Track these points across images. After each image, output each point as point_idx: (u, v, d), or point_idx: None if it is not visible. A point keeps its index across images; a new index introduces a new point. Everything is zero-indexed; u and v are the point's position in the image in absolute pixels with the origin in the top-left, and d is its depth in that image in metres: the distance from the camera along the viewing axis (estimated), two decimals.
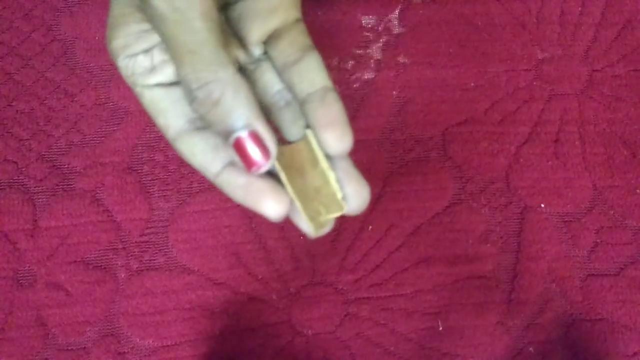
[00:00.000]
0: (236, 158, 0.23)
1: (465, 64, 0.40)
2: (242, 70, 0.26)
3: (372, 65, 0.40)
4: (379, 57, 0.41)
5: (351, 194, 0.24)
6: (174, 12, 0.21)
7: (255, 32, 0.25)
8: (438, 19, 0.41)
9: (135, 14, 0.24)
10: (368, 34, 0.41)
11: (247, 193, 0.23)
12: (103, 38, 0.40)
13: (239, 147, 0.22)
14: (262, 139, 0.22)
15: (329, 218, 0.24)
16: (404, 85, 0.40)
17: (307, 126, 0.25)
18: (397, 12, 0.41)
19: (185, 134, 0.25)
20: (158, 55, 0.25)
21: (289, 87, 0.25)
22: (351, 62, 0.40)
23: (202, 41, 0.22)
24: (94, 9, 0.41)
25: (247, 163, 0.22)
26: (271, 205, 0.23)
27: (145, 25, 0.24)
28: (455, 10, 0.41)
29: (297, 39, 0.25)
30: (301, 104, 0.24)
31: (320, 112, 0.24)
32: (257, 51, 0.26)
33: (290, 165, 0.24)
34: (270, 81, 0.26)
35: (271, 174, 0.24)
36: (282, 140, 0.25)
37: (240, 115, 0.22)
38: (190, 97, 0.22)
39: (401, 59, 0.41)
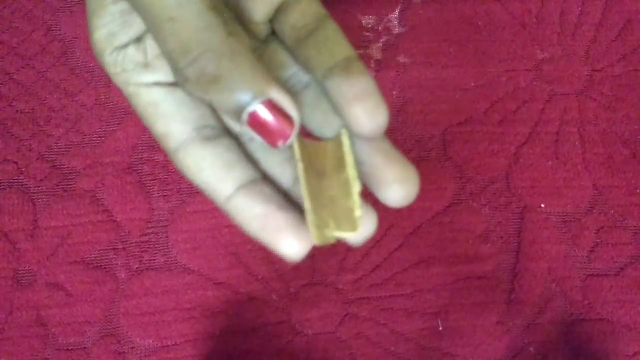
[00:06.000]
0: (255, 136, 0.19)
1: (465, 64, 0.40)
2: None
3: (372, 65, 0.40)
4: (378, 57, 0.40)
5: (395, 180, 0.20)
6: None
7: (260, 7, 0.21)
8: (438, 18, 0.41)
9: None
10: (368, 33, 0.41)
11: (263, 226, 0.20)
12: None
13: (255, 123, 0.18)
14: (280, 105, 0.18)
15: (336, 235, 0.20)
16: (404, 85, 0.40)
17: (343, 126, 0.21)
18: (397, 12, 0.41)
19: (191, 144, 0.21)
20: (153, 48, 0.21)
21: (305, 65, 0.21)
22: None
23: (183, 2, 0.18)
24: None
25: (270, 138, 0.19)
26: (291, 243, 0.19)
27: (125, 4, 0.20)
28: (455, 10, 0.41)
29: (309, 8, 0.21)
30: (322, 80, 0.21)
31: (346, 85, 0.20)
32: (263, 32, 0.22)
33: (310, 163, 0.20)
34: (282, 63, 0.22)
35: (292, 206, 0.21)
36: (305, 135, 0.22)
37: (248, 85, 0.18)
38: (181, 78, 0.19)
39: (401, 59, 0.40)
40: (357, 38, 0.41)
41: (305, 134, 0.22)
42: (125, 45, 0.21)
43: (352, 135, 0.21)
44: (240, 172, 0.21)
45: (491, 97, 0.40)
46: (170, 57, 0.19)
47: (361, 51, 0.41)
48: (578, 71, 0.40)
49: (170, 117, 0.21)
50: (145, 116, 0.21)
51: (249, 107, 0.18)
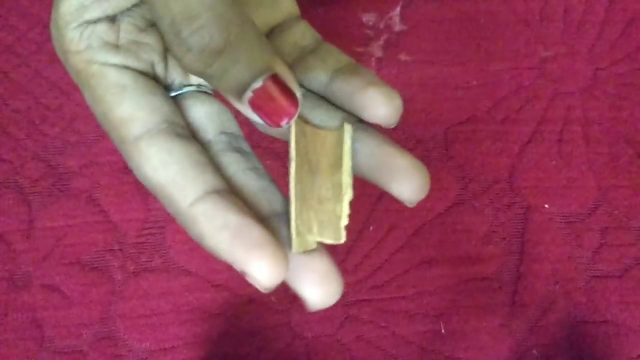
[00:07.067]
0: (255, 117, 0.17)
1: (468, 62, 0.40)
2: None
3: (373, 64, 0.40)
4: (380, 55, 0.40)
5: (411, 167, 0.19)
6: None
7: (257, 22, 0.20)
8: (440, 16, 0.41)
9: None
10: (369, 31, 0.41)
11: (235, 238, 0.16)
12: None
13: (259, 100, 0.17)
14: (285, 81, 0.17)
15: (318, 241, 0.19)
16: (406, 83, 0.40)
17: (347, 121, 0.20)
18: (398, 9, 0.41)
19: (159, 134, 0.18)
20: (128, 32, 0.19)
21: (307, 75, 0.21)
22: None
23: None
24: None
25: (274, 117, 0.17)
26: (265, 265, 0.16)
27: None
28: (458, 8, 0.41)
29: (308, 31, 0.22)
30: (330, 80, 0.20)
31: (358, 78, 0.19)
32: None
33: (304, 155, 0.19)
34: None
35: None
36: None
37: (255, 59, 0.17)
38: (182, 49, 0.17)
39: (402, 57, 0.40)
40: (358, 36, 0.41)
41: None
42: (95, 21, 0.19)
43: (365, 128, 0.20)
44: (212, 178, 0.18)
45: (494, 96, 0.40)
46: (172, 24, 0.17)
47: (362, 49, 0.40)
48: (582, 69, 0.40)
49: (138, 102, 0.18)
50: (107, 99, 0.18)
51: (254, 83, 0.17)
